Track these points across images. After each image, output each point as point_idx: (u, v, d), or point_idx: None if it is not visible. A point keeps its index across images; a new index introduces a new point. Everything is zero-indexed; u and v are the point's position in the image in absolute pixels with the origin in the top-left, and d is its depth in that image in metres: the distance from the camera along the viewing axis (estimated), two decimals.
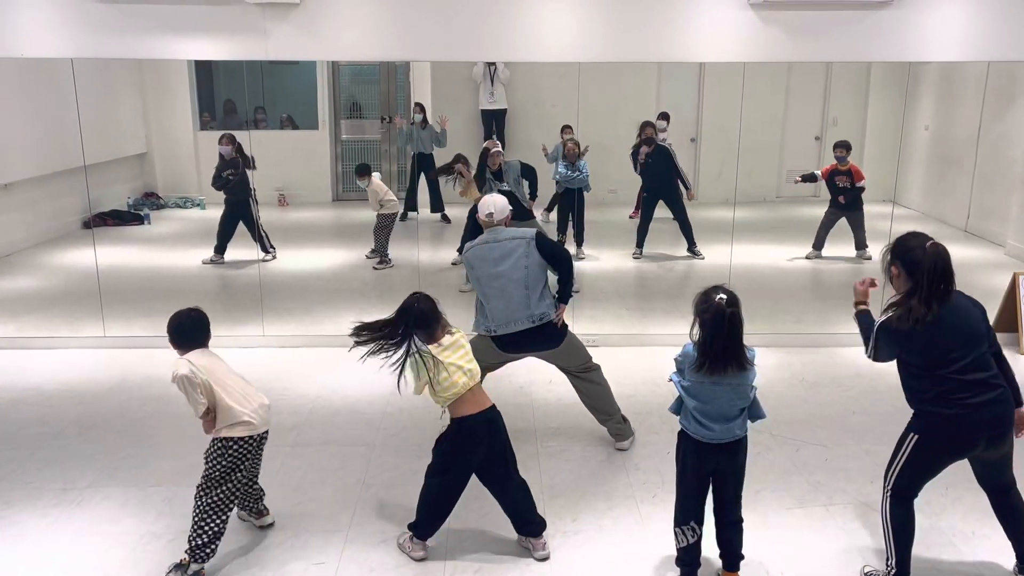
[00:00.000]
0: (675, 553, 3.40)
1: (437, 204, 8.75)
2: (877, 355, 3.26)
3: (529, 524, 3.64)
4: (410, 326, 3.40)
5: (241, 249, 7.83)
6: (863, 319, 3.37)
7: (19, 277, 7.71)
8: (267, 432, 3.63)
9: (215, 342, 3.66)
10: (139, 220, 8.81)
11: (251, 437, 3.53)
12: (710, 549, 3.45)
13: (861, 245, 8.19)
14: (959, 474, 3.41)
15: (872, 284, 3.44)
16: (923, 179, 9.16)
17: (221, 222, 7.87)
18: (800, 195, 9.47)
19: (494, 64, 8.49)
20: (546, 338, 4.42)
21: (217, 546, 3.48)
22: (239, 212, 7.77)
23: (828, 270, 8.37)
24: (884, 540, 3.34)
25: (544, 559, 3.60)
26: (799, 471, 4.42)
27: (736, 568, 3.39)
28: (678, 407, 3.35)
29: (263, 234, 7.72)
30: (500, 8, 5.68)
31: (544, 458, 4.55)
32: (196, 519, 3.45)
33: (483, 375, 3.68)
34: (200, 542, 3.42)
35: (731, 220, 6.81)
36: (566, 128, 7.76)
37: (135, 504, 4.05)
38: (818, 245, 8.32)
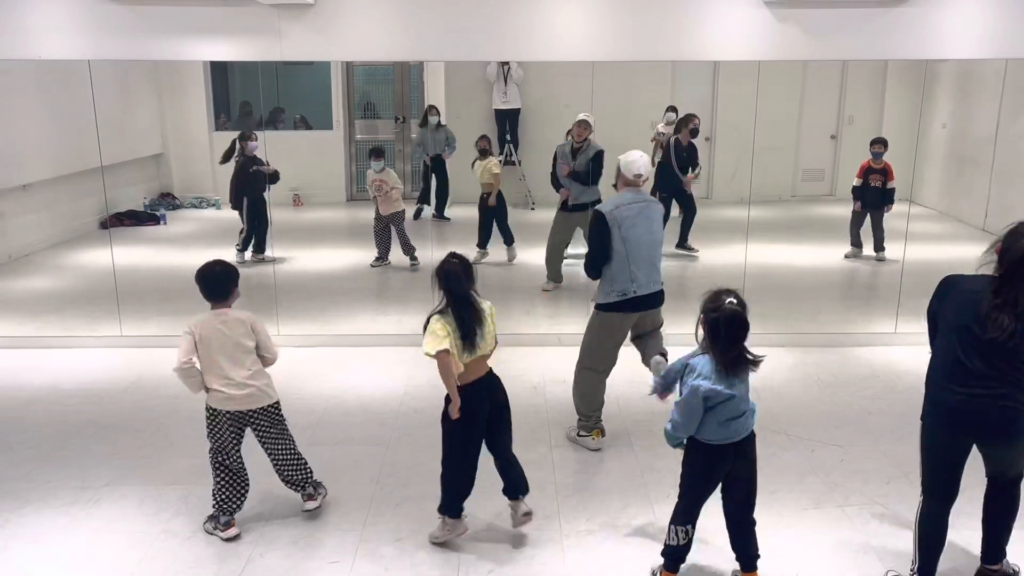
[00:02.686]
0: (669, 547, 3.37)
1: (442, 207, 8.72)
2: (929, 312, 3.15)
3: (517, 486, 3.73)
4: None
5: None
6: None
7: (37, 277, 7.78)
8: (246, 413, 3.73)
9: None
10: (155, 220, 8.88)
11: (215, 410, 3.71)
12: (726, 553, 3.44)
13: (879, 246, 8.15)
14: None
15: None
16: (940, 178, 9.09)
17: (248, 219, 7.87)
18: (815, 194, 9.43)
19: (507, 64, 8.50)
20: (660, 299, 4.62)
21: (235, 501, 3.79)
22: (258, 207, 7.78)
23: (842, 270, 8.32)
24: (913, 542, 3.30)
25: (527, 514, 3.69)
26: (815, 472, 4.39)
27: (754, 568, 3.38)
28: (680, 437, 3.30)
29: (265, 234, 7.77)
30: (514, 8, 5.67)
31: (558, 457, 4.54)
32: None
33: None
34: (217, 498, 3.79)
35: (746, 219, 6.77)
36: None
37: (152, 503, 4.07)
38: (856, 242, 8.29)
